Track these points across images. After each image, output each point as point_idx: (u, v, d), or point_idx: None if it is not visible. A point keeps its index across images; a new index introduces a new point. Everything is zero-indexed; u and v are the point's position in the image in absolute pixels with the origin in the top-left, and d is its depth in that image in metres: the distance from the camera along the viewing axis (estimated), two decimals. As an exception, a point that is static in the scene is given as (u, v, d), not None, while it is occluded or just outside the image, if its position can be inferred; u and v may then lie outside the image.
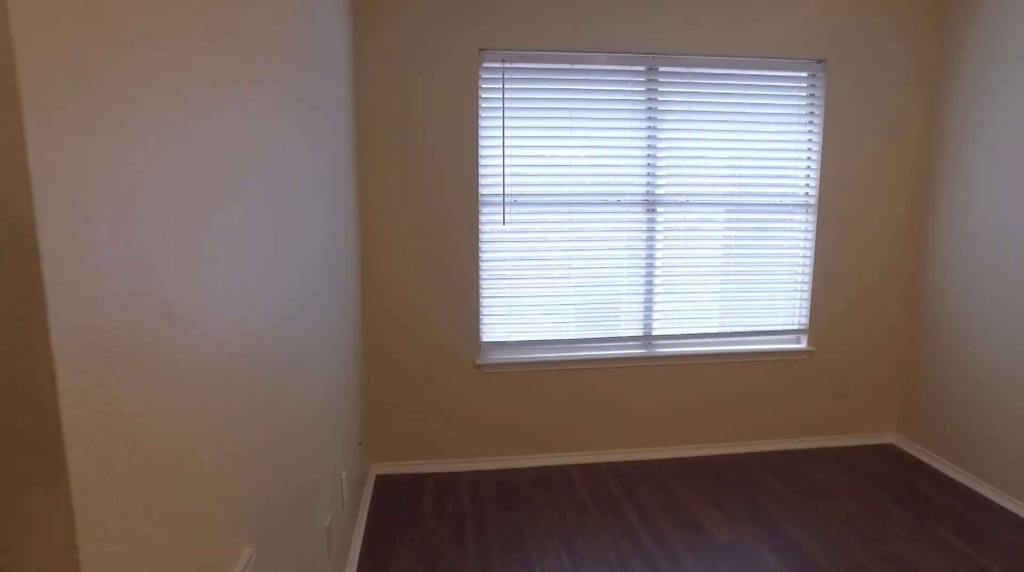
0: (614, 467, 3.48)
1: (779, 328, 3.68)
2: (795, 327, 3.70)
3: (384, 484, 3.28)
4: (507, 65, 3.17)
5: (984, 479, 3.23)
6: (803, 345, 3.70)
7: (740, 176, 3.46)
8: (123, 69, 0.77)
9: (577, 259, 3.40)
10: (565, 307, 3.44)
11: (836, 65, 3.38)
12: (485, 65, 3.17)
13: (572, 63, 3.21)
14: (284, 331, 1.54)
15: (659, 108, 3.32)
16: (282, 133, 1.54)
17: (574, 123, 3.26)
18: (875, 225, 3.60)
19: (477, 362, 3.37)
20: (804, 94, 3.43)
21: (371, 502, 3.11)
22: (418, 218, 3.22)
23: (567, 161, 3.29)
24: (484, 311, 3.39)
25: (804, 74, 3.40)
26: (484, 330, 3.41)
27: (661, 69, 3.28)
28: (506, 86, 3.18)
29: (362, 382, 3.20)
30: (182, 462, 0.93)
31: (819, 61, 3.38)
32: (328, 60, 2.24)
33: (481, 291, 3.36)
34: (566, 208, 3.34)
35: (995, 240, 3.15)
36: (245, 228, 1.23)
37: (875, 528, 2.90)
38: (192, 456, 0.96)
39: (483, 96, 3.19)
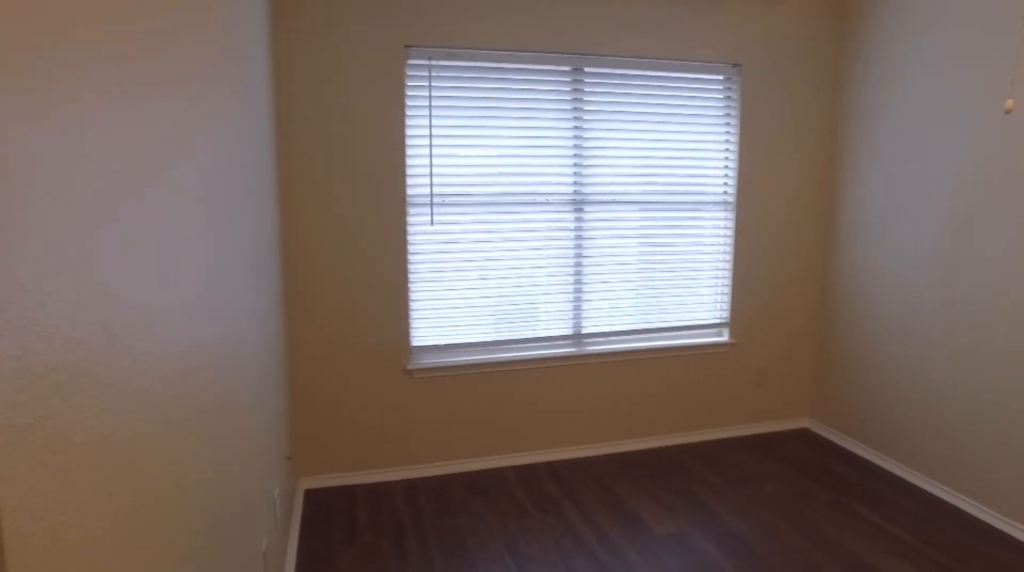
0: (550, 467, 3.48)
1: (703, 322, 3.80)
2: (717, 321, 3.83)
3: (314, 499, 3.13)
4: (434, 63, 3.10)
5: (888, 455, 3.46)
6: (725, 338, 3.84)
7: (663, 175, 3.54)
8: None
9: (507, 260, 3.37)
10: (496, 308, 3.41)
11: (750, 69, 3.53)
12: (411, 62, 3.08)
13: (500, 62, 3.17)
14: (222, 345, 1.42)
15: (585, 108, 3.34)
16: (210, 128, 1.42)
17: (502, 122, 3.23)
18: (787, 220, 3.79)
19: (408, 367, 3.28)
20: (721, 96, 3.56)
21: (302, 520, 2.96)
22: (343, 220, 3.09)
23: (495, 161, 3.26)
24: (414, 315, 3.30)
25: (721, 77, 3.53)
26: (414, 334, 3.32)
27: (587, 70, 3.31)
28: (433, 83, 3.11)
29: (288, 392, 3.04)
30: (118, 493, 0.82)
31: (735, 65, 3.52)
32: (248, 57, 2.10)
33: (410, 294, 3.27)
34: (495, 208, 3.30)
35: (889, 231, 3.38)
36: (182, 236, 1.11)
37: (800, 509, 3.04)
38: (130, 485, 0.85)
39: (409, 94, 3.10)
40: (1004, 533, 2.83)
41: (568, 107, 3.32)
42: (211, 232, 1.36)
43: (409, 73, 3.09)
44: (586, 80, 3.32)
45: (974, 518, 2.95)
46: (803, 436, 3.92)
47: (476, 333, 3.40)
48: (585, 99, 3.34)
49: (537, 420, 3.53)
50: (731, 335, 3.82)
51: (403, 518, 2.95)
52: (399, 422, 3.32)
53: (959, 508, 3.05)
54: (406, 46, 3.05)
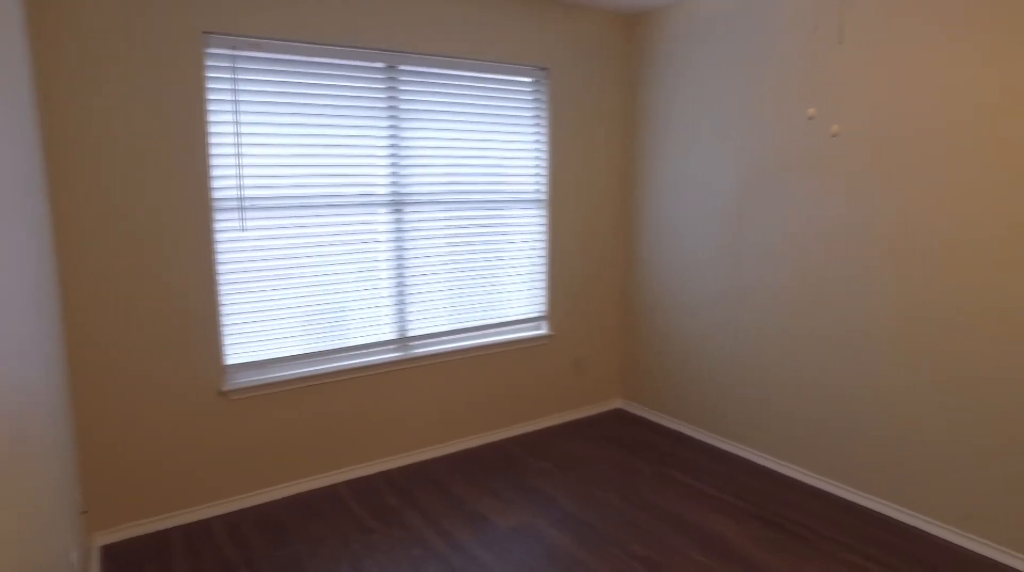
0: (387, 476, 3.37)
1: (523, 317, 3.94)
2: (536, 315, 3.99)
3: (116, 555, 2.69)
4: (238, 53, 2.82)
5: (694, 424, 3.88)
6: (544, 331, 4.01)
7: (479, 174, 3.60)
8: None
9: (326, 265, 3.19)
10: (317, 317, 3.21)
11: (557, 72, 3.72)
12: (211, 51, 2.77)
13: (311, 56, 2.98)
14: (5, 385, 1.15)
15: (401, 107, 3.28)
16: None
17: (316, 120, 3.04)
18: (595, 216, 4.07)
19: (222, 389, 2.96)
20: (531, 98, 3.71)
21: (103, 579, 2.53)
22: (134, 232, 2.68)
23: (311, 160, 3.06)
24: (226, 330, 2.98)
25: (530, 79, 3.68)
26: (228, 352, 3.00)
27: (401, 67, 3.24)
28: (239, 76, 2.83)
29: (76, 435, 2.58)
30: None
31: (542, 68, 3.69)
32: None
33: (221, 309, 2.95)
34: (313, 211, 3.10)
35: (681, 223, 3.79)
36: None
37: (626, 482, 3.28)
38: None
39: (212, 87, 2.79)
40: (795, 480, 3.32)
41: (383, 105, 3.22)
42: None
43: (210, 64, 2.78)
44: (401, 78, 3.25)
45: (772, 471, 3.42)
46: (618, 416, 4.24)
47: (297, 345, 3.17)
48: (401, 97, 3.27)
49: (368, 430, 3.40)
50: (550, 327, 4.01)
51: (230, 557, 2.66)
52: (215, 451, 2.98)
53: (759, 464, 3.51)
54: (204, 32, 2.73)
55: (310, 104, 3.02)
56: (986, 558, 2.62)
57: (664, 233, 3.93)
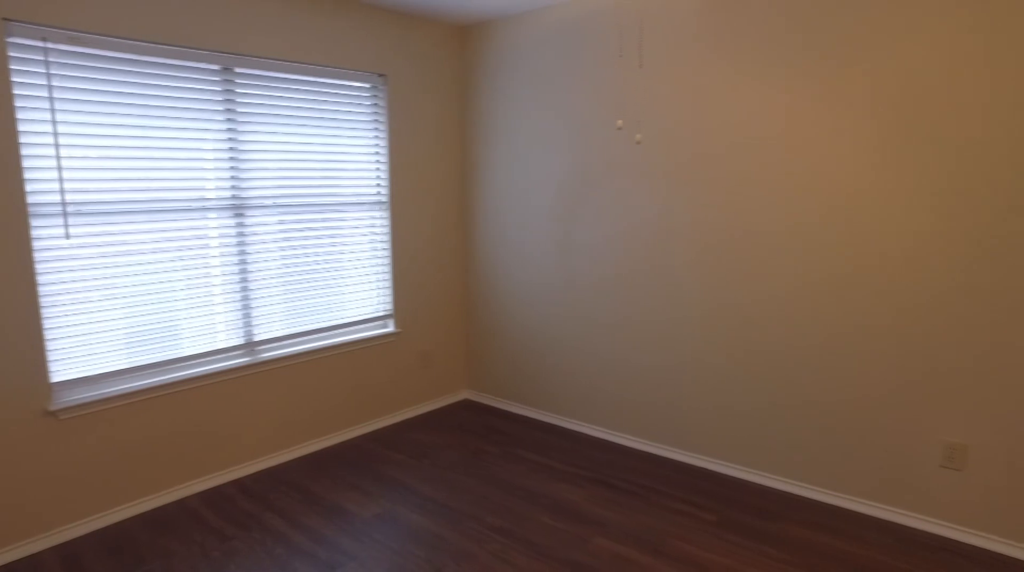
0: (240, 484, 3.31)
1: (370, 317, 4.04)
2: (383, 313, 4.11)
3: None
4: (52, 46, 2.63)
5: (536, 407, 4.23)
6: (391, 329, 4.14)
7: (321, 178, 3.65)
8: None
9: (164, 272, 3.07)
10: (156, 325, 3.08)
11: (394, 79, 3.87)
12: (14, 41, 2.56)
13: (140, 54, 2.86)
14: None
15: (239, 110, 3.24)
16: None
17: (148, 122, 2.92)
18: (436, 215, 4.27)
19: (49, 408, 2.75)
20: (369, 103, 3.82)
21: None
22: (-66, 237, 2.43)
23: (142, 163, 2.93)
24: (51, 346, 2.77)
25: (368, 85, 3.79)
26: (54, 369, 2.79)
27: (238, 70, 3.21)
28: (54, 72, 2.64)
29: None
30: None
31: (380, 75, 3.81)
32: None
33: (44, 322, 2.74)
34: (146, 216, 2.98)
35: (516, 220, 4.12)
36: None
37: (477, 464, 3.52)
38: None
39: (18, 81, 2.58)
40: (629, 447, 3.77)
41: (220, 108, 3.17)
42: None
43: (14, 55, 2.57)
44: (238, 81, 3.22)
45: (609, 441, 3.85)
46: (467, 406, 4.48)
47: (133, 356, 3.02)
48: (238, 100, 3.23)
49: (218, 439, 3.31)
50: (396, 325, 4.14)
51: (72, 584, 2.50)
52: (46, 476, 2.76)
53: (597, 437, 3.92)
54: (5, 19, 2.53)
55: (141, 105, 2.89)
56: (784, 492, 3.21)
57: (500, 232, 4.24)
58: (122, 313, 2.95)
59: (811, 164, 2.94)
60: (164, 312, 3.09)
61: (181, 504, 3.11)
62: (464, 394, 4.65)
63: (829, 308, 2.97)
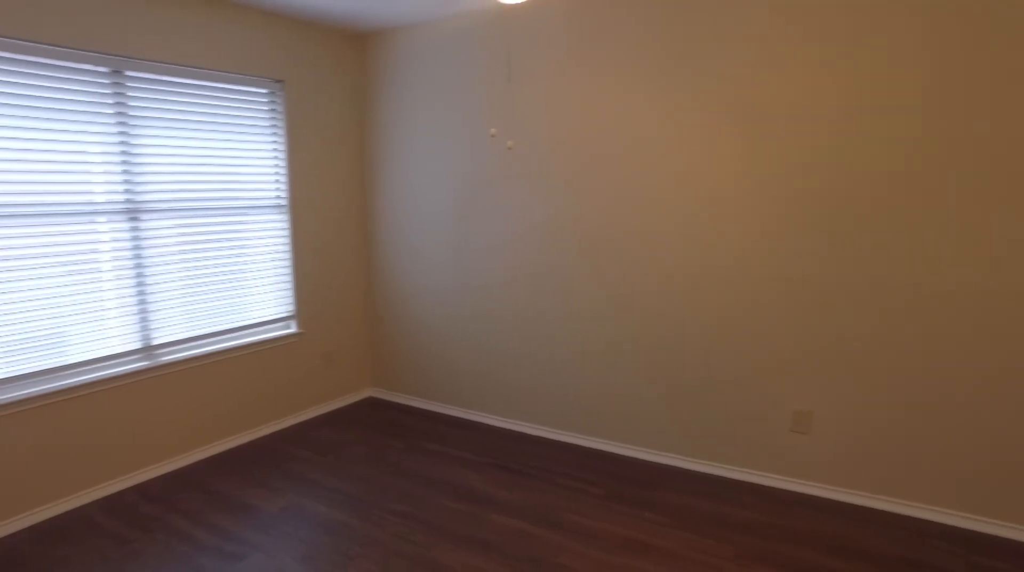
0: (140, 489, 3.29)
1: (272, 318, 4.08)
2: (285, 315, 4.16)
3: None
4: (-73, 48, 2.56)
5: (439, 401, 4.41)
6: (293, 330, 4.20)
7: (219, 182, 3.67)
8: None
9: (50, 277, 3.02)
10: (46, 330, 3.02)
11: (292, 85, 3.94)
12: None
13: (19, 53, 2.81)
14: None
15: (131, 114, 3.22)
16: None
17: (28, 123, 2.87)
18: (337, 217, 4.36)
19: (-71, 421, 2.66)
20: (267, 108, 3.87)
21: None
22: None
23: (24, 166, 2.88)
24: (-71, 355, 2.68)
25: (265, 91, 3.84)
26: (-67, 379, 2.70)
27: (128, 73, 3.20)
28: (-69, 74, 2.57)
29: None
30: None
31: (278, 81, 3.87)
32: None
33: (-79, 331, 2.65)
34: (26, 220, 2.92)
35: (415, 223, 4.29)
36: None
37: (383, 458, 3.66)
38: None
39: None
40: (525, 433, 4.02)
41: (111, 111, 3.15)
42: None
43: None
44: (129, 84, 3.20)
45: (506, 429, 4.08)
46: (370, 403, 4.59)
47: (20, 364, 2.95)
48: (130, 104, 3.22)
49: (116, 444, 3.27)
50: (299, 326, 4.21)
51: (-38, 597, 2.45)
52: (-77, 491, 2.66)
53: (496, 426, 4.15)
54: None
55: (21, 106, 2.84)
56: (663, 464, 3.55)
57: (400, 234, 4.39)
58: (12, 316, 2.88)
59: (681, 170, 3.29)
60: (49, 318, 3.04)
61: (80, 512, 3.06)
62: (369, 392, 4.76)
63: (697, 301, 3.34)
